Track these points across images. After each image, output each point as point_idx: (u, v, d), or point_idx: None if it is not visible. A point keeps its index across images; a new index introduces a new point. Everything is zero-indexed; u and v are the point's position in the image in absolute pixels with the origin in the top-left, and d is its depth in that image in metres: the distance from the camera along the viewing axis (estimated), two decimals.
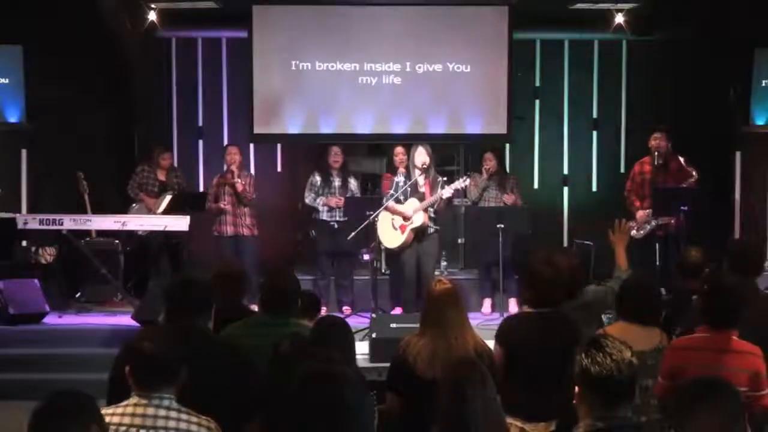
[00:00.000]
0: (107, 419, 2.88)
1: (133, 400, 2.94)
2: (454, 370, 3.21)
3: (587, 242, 8.46)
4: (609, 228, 5.13)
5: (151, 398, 2.91)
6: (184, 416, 2.94)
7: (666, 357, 3.84)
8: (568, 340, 4.18)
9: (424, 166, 7.99)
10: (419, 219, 7.89)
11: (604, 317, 5.31)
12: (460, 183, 7.97)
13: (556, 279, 4.29)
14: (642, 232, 8.12)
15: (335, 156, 8.67)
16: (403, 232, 7.92)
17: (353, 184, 8.76)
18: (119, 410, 2.93)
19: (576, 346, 4.16)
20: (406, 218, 7.89)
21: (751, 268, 4.79)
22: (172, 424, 2.90)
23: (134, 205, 8.67)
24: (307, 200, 8.71)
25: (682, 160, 8.05)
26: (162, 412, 2.90)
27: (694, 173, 7.98)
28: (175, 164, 9.45)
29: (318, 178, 8.65)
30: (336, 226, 8.44)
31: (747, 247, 5.20)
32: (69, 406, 2.41)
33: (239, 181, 8.42)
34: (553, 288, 4.28)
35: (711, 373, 3.45)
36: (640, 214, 8.13)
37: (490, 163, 8.61)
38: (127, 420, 2.89)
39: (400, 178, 8.08)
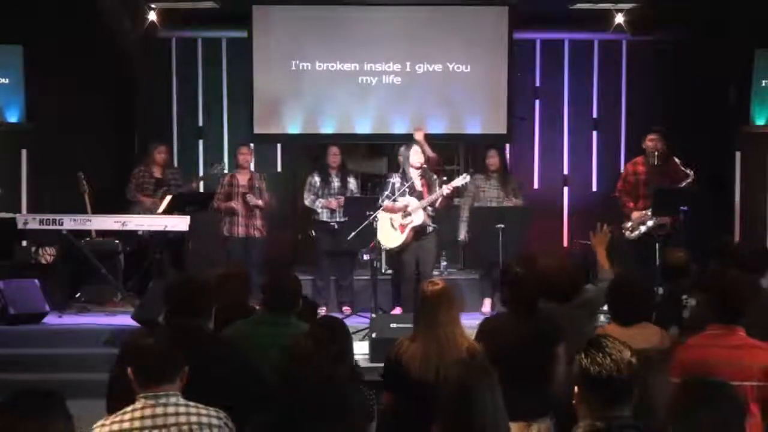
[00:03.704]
0: (115, 427, 2.87)
1: (140, 403, 2.90)
2: (465, 371, 3.20)
3: (587, 242, 8.43)
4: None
5: (158, 397, 2.89)
6: (193, 410, 2.92)
7: (678, 356, 3.83)
8: (547, 340, 4.22)
9: (422, 166, 7.99)
10: (419, 218, 7.89)
11: (603, 317, 5.34)
12: (460, 180, 7.96)
13: (532, 280, 4.35)
14: (637, 233, 8.11)
15: (333, 156, 8.67)
16: (402, 231, 7.91)
17: (352, 183, 8.76)
18: (127, 416, 2.89)
19: (556, 345, 4.23)
20: (406, 213, 7.85)
21: (752, 265, 4.81)
22: (183, 419, 2.88)
23: (133, 206, 8.66)
24: (306, 202, 8.69)
25: (677, 161, 8.04)
26: (171, 410, 2.88)
27: (690, 174, 7.97)
28: (175, 163, 9.48)
29: (317, 179, 8.65)
30: (336, 226, 8.43)
31: (744, 246, 5.22)
32: (34, 405, 2.40)
33: (261, 202, 8.45)
34: (530, 289, 4.33)
35: (726, 369, 3.49)
36: (636, 215, 8.11)
37: (492, 159, 8.60)
38: (137, 424, 2.86)
39: (395, 180, 8.06)
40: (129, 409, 2.91)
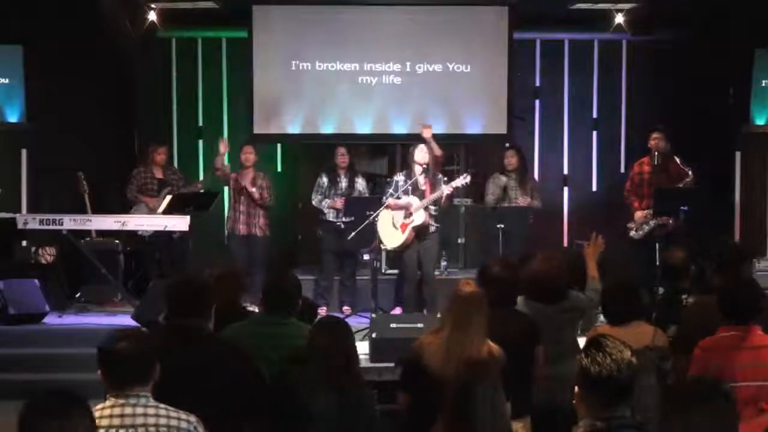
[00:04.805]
0: None
1: (109, 402, 2.90)
2: (467, 369, 3.20)
3: (587, 242, 8.42)
4: (586, 241, 5.27)
5: (129, 397, 2.88)
6: (162, 411, 2.91)
7: (697, 358, 3.80)
8: (526, 340, 4.22)
9: (425, 165, 7.99)
10: (420, 217, 7.88)
11: (603, 317, 5.34)
12: (461, 180, 7.95)
13: (508, 279, 4.36)
14: (641, 233, 8.10)
15: (341, 156, 8.67)
16: (404, 231, 7.90)
17: (360, 183, 8.74)
18: (96, 413, 2.84)
19: (535, 346, 4.22)
20: (408, 212, 7.85)
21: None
22: (151, 420, 2.87)
23: (136, 206, 8.67)
24: (313, 202, 8.70)
25: (678, 160, 8.05)
26: (140, 410, 2.87)
27: (689, 173, 7.98)
28: (175, 163, 9.48)
29: (325, 180, 8.65)
30: (343, 227, 8.41)
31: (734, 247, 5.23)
32: (59, 405, 2.40)
33: (254, 190, 8.47)
34: (506, 288, 4.34)
35: (751, 370, 3.47)
36: (639, 214, 8.12)
37: (512, 159, 8.60)
38: (105, 422, 2.84)
39: (399, 178, 8.07)
40: (99, 407, 2.89)
